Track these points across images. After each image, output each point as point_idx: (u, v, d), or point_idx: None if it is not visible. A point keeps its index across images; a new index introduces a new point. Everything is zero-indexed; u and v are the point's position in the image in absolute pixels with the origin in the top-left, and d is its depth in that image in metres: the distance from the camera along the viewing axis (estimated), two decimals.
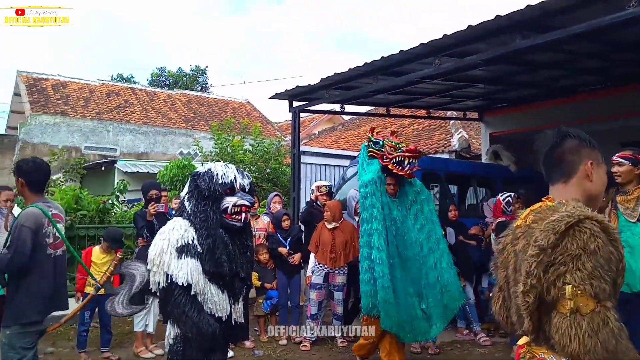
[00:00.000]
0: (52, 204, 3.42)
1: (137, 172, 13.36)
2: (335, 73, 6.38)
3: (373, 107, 11.38)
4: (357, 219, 6.09)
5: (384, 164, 4.56)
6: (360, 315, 4.93)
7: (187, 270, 2.82)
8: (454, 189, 8.08)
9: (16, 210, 4.05)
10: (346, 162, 8.51)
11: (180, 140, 18.46)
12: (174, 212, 6.44)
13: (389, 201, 4.54)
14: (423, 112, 9.70)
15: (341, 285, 5.66)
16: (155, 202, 5.24)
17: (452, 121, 10.91)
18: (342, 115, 19.50)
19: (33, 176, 3.24)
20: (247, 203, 3.01)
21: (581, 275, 1.38)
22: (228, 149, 11.46)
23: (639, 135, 6.74)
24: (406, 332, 4.37)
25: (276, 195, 6.79)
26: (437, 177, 7.13)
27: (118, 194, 7.59)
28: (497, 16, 4.49)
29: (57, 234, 3.24)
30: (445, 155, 9.93)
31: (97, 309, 5.01)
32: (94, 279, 3.63)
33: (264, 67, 64.77)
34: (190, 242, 2.87)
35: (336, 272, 5.62)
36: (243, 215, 3.00)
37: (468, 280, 5.88)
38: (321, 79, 6.61)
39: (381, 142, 4.63)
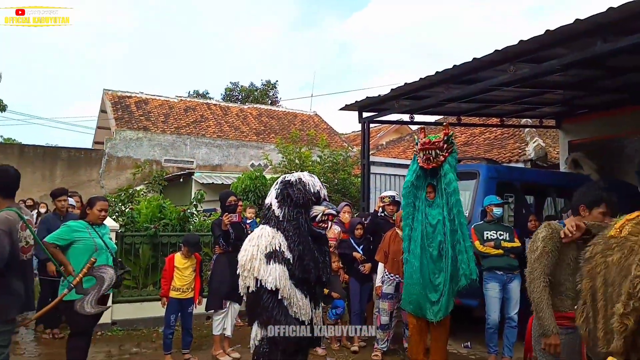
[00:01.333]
0: (24, 210, 3.45)
1: (213, 183, 13.94)
2: (405, 83, 6.39)
3: (442, 117, 11.23)
4: None
5: (419, 163, 4.52)
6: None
7: (276, 276, 2.95)
8: (530, 199, 7.78)
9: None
10: None
11: (252, 153, 19.08)
12: (248, 221, 6.74)
13: (425, 205, 4.50)
14: (495, 120, 9.44)
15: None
16: (230, 212, 5.46)
17: (526, 129, 10.53)
18: (409, 125, 19.39)
19: (3, 182, 3.25)
20: (334, 212, 3.19)
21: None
22: (296, 161, 11.70)
23: None
24: (424, 310, 4.44)
25: (346, 205, 6.85)
26: (512, 186, 6.90)
27: (196, 203, 7.96)
28: (577, 20, 4.34)
29: (27, 239, 3.26)
30: (520, 165, 9.58)
31: (179, 313, 5.28)
32: (68, 280, 3.74)
33: (332, 80, 65.56)
34: (278, 248, 3.00)
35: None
36: (329, 223, 3.13)
37: None
38: (391, 89, 6.64)
39: (417, 141, 4.62)
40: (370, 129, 8.26)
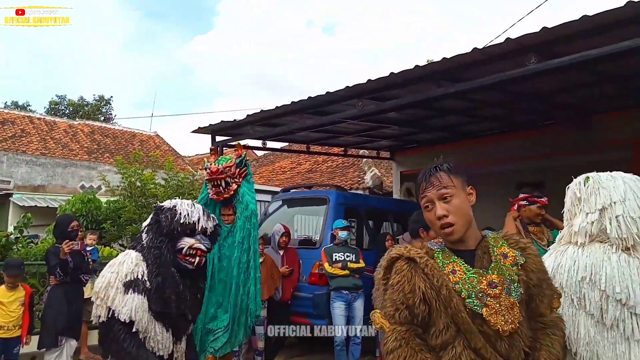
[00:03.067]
0: None
1: (36, 206, 12.40)
2: (262, 110, 6.54)
3: (287, 144, 11.67)
4: (280, 253, 6.23)
5: (209, 195, 4.03)
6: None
7: (132, 307, 2.75)
8: (370, 223, 8.45)
9: None
10: (267, 197, 8.60)
11: (82, 173, 17.38)
12: (88, 248, 6.14)
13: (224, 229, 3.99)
14: (338, 150, 10.12)
15: (262, 319, 5.66)
16: (71, 239, 4.98)
17: (365, 159, 11.47)
18: (255, 151, 19.64)
19: None
20: (203, 248, 2.99)
21: (382, 303, 1.79)
22: (137, 183, 11.02)
23: (531, 177, 7.58)
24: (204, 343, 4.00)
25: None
26: (356, 212, 7.45)
27: (22, 228, 7.01)
28: (417, 66, 4.94)
29: None
30: (360, 191, 10.38)
31: (2, 355, 4.58)
32: None
33: (173, 101, 63.45)
34: (139, 277, 2.80)
35: None
36: (197, 259, 2.98)
37: None
38: (247, 115, 6.74)
39: (206, 165, 4.10)
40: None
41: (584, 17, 3.72)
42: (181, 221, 2.93)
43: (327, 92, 5.76)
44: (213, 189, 3.94)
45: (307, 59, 71.62)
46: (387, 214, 8.16)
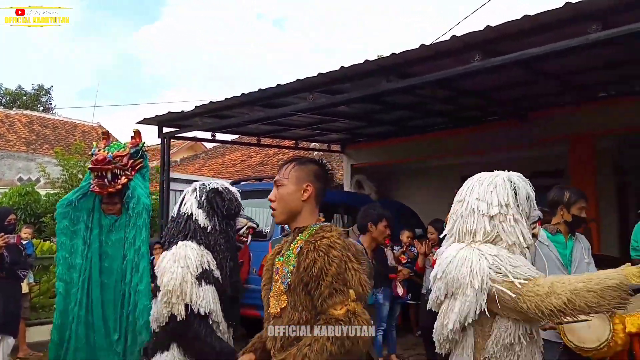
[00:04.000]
0: None
1: None
2: (210, 101, 6.43)
3: (238, 136, 11.53)
4: None
5: (91, 188, 3.37)
6: None
7: (209, 299, 2.58)
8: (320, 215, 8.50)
9: None
10: None
11: (20, 165, 16.52)
12: (24, 242, 5.86)
13: (101, 228, 3.40)
14: (289, 143, 10.11)
15: None
16: (8, 233, 4.75)
17: (316, 152, 11.50)
18: (204, 143, 19.30)
19: None
20: (254, 226, 3.02)
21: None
22: (79, 175, 10.60)
23: (474, 172, 7.83)
24: None
25: None
26: None
27: None
28: (366, 61, 5.00)
29: None
30: None
31: None
32: None
33: (119, 92, 61.16)
34: (208, 267, 2.63)
35: None
36: (250, 237, 3.02)
37: None
38: (195, 106, 6.61)
39: (93, 150, 3.45)
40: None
41: (525, 16, 3.88)
42: (238, 201, 2.86)
43: (278, 85, 5.73)
44: (96, 180, 3.28)
45: (258, 51, 70.81)
46: (337, 207, 8.23)
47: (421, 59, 4.83)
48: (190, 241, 2.66)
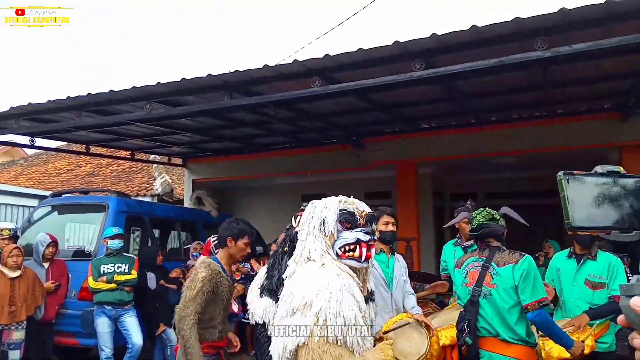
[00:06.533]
0: None
1: None
2: (29, 103, 5.70)
3: (66, 143, 10.43)
4: (45, 266, 5.52)
5: None
6: None
7: None
8: (156, 232, 8.04)
9: None
10: (33, 202, 7.51)
11: None
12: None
13: None
14: (125, 153, 9.42)
15: (19, 342, 5.05)
16: None
17: (155, 165, 10.90)
18: (24, 149, 17.04)
19: None
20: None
21: None
22: None
23: (314, 190, 8.13)
24: None
25: None
26: (141, 220, 6.99)
27: None
28: (209, 74, 4.88)
29: None
30: (147, 199, 9.81)
31: None
32: None
33: None
34: None
35: (13, 327, 5.00)
36: None
37: (168, 325, 5.87)
38: (11, 107, 5.80)
39: None
40: None
41: (360, 49, 4.15)
42: None
43: (111, 91, 5.31)
44: None
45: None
46: (174, 223, 7.87)
47: (264, 79, 4.87)
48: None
